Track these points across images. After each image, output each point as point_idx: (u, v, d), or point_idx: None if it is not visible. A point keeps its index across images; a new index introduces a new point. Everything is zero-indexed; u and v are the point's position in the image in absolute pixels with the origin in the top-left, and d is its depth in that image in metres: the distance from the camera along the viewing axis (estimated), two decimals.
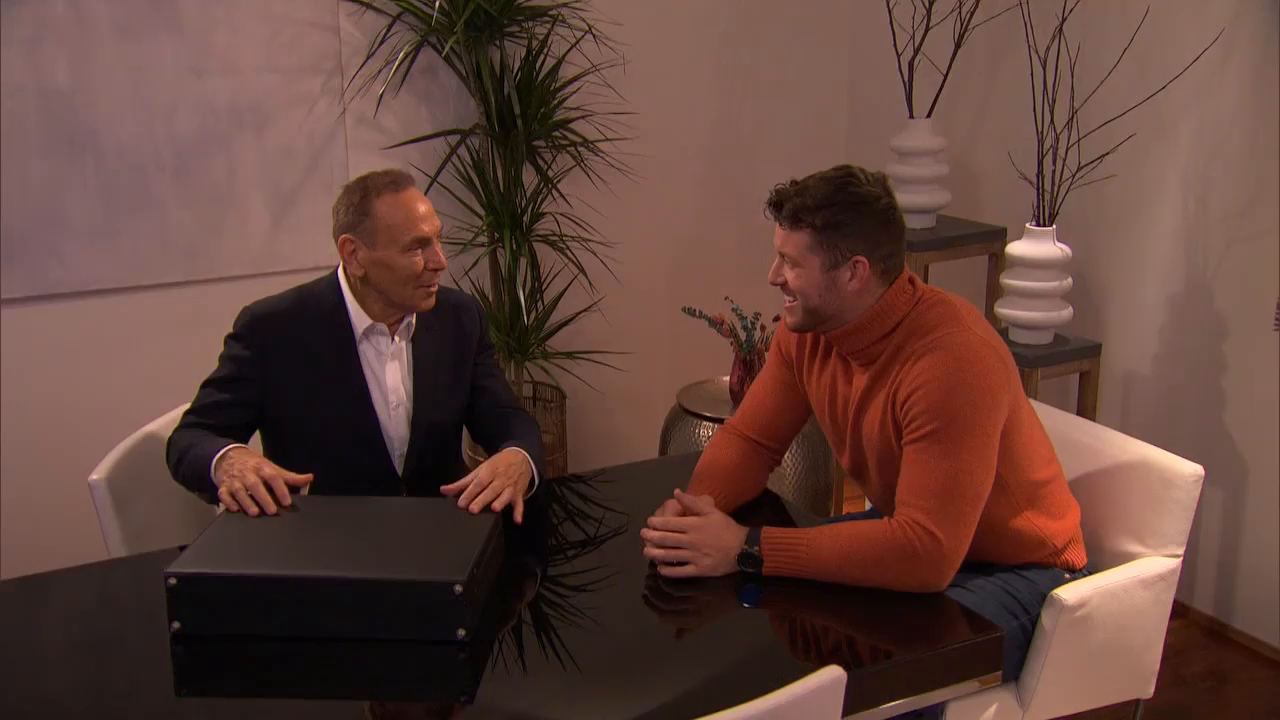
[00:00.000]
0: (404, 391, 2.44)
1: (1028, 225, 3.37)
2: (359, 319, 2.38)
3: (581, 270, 3.98)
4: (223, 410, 2.35)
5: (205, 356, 2.51)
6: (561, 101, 3.81)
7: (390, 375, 2.42)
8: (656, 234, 4.30)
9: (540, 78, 3.74)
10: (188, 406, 2.40)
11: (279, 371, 2.35)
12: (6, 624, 1.98)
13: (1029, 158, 3.47)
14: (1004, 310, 3.41)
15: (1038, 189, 3.36)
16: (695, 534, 2.06)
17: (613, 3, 3.92)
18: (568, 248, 3.91)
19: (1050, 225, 3.35)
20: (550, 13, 3.75)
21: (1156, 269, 3.54)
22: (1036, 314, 3.36)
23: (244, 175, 3.58)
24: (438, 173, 3.75)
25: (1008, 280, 3.39)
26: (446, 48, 3.56)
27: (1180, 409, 3.52)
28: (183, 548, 1.96)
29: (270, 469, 2.15)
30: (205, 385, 2.38)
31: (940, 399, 1.98)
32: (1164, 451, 2.39)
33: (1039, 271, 3.35)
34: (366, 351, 2.39)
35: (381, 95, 3.71)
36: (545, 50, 3.76)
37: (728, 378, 3.85)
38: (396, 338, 2.42)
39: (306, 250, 3.70)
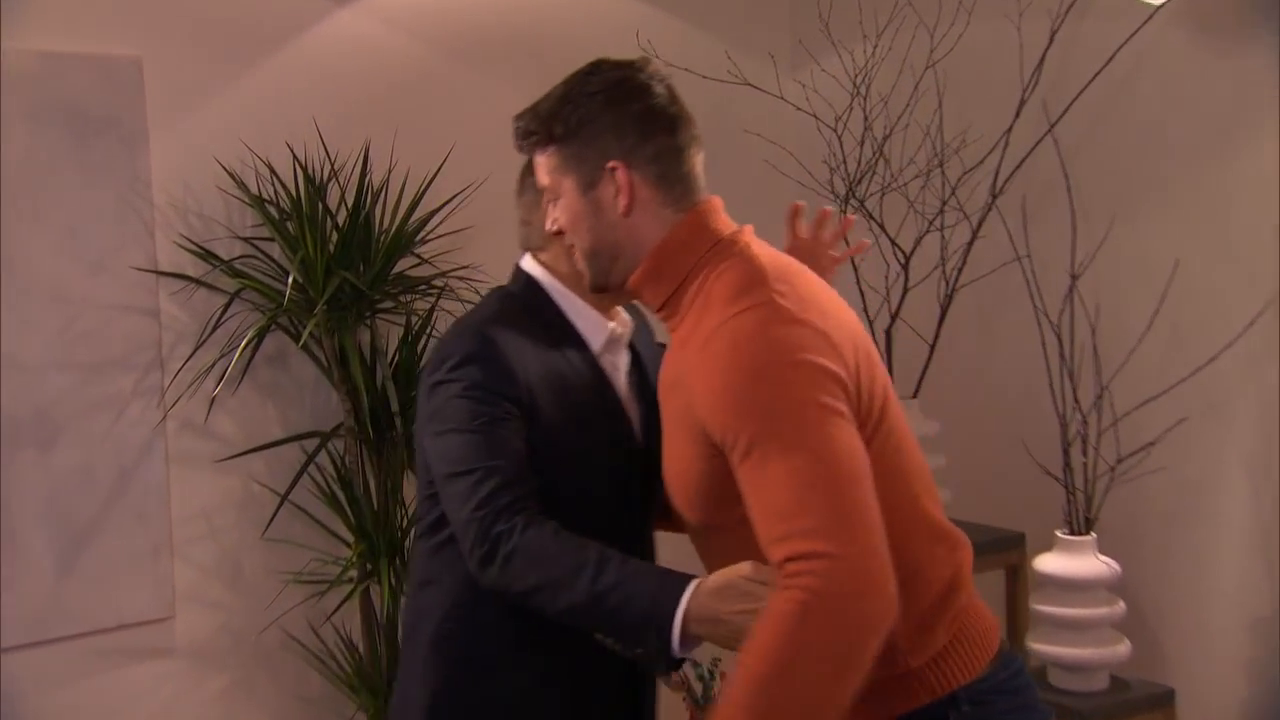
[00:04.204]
0: (635, 412, 2.00)
1: (1058, 533, 2.83)
2: (592, 326, 1.94)
3: None
4: (520, 455, 1.82)
5: None
6: None
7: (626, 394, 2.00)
8: None
9: (424, 363, 2.96)
10: (466, 477, 1.79)
11: (529, 400, 1.87)
12: None
13: (1049, 445, 2.95)
14: (1038, 645, 2.80)
15: (1066, 486, 2.84)
16: None
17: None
18: None
19: (1088, 534, 2.81)
20: (434, 283, 3.05)
21: (1229, 587, 3.02)
22: (1083, 650, 2.79)
23: (21, 509, 2.74)
24: (289, 491, 2.92)
25: (1040, 606, 2.82)
26: (305, 333, 2.79)
27: None
28: None
29: None
30: (472, 437, 1.82)
31: (737, 397, 1.56)
32: None
33: (1079, 594, 2.76)
34: (606, 366, 1.98)
35: (215, 394, 2.90)
36: (430, 329, 3.07)
37: None
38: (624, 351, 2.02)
39: (107, 607, 2.83)
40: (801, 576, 1.44)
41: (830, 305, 1.64)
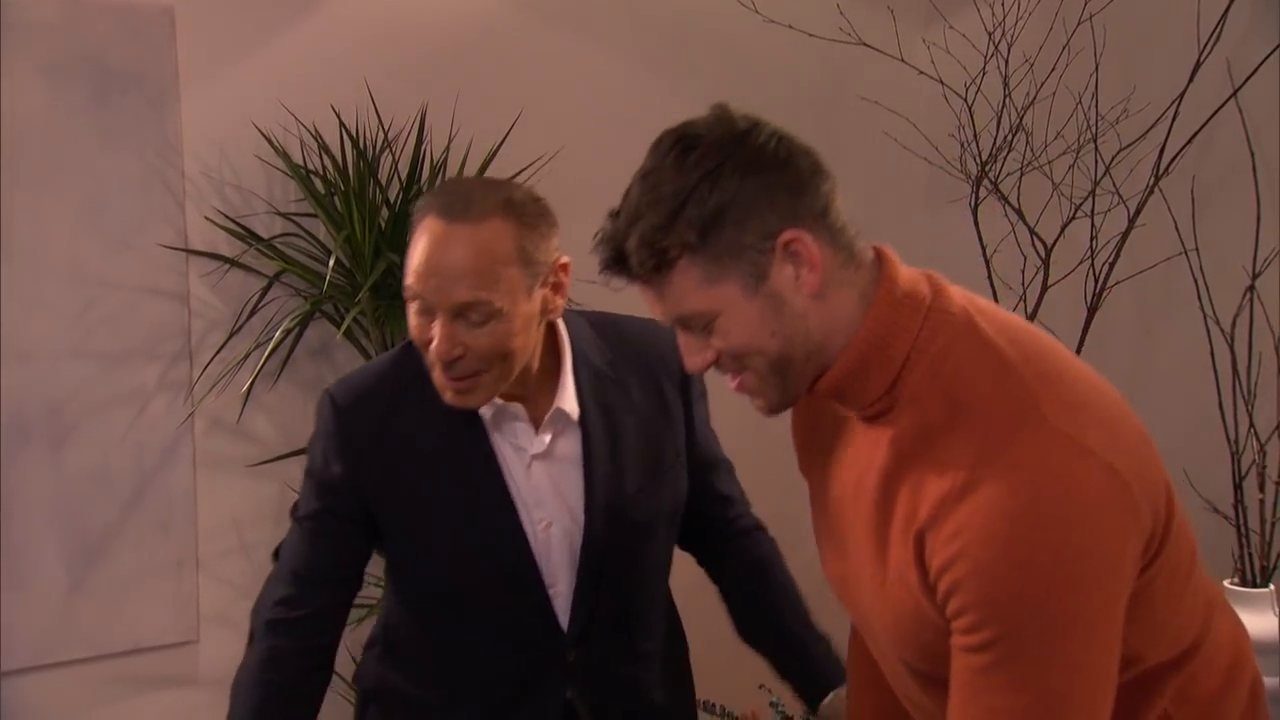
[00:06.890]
0: (560, 504, 1.92)
1: (1227, 584, 2.68)
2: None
3: None
4: (321, 567, 1.86)
5: None
6: None
7: (535, 480, 1.91)
8: None
9: None
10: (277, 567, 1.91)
11: (383, 486, 1.89)
12: None
13: (1218, 478, 2.77)
14: None
15: (1238, 527, 2.67)
16: None
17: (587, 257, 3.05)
18: None
19: (1266, 586, 2.66)
20: None
21: None
22: None
23: (27, 515, 2.66)
24: None
25: None
26: (347, 320, 2.65)
27: None
28: None
29: None
30: (299, 521, 1.93)
31: (1000, 585, 1.34)
32: None
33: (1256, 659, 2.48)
34: (502, 447, 1.88)
35: (250, 388, 2.78)
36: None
37: None
38: (541, 433, 1.89)
39: (122, 628, 2.75)
40: None
41: (1096, 387, 1.40)
